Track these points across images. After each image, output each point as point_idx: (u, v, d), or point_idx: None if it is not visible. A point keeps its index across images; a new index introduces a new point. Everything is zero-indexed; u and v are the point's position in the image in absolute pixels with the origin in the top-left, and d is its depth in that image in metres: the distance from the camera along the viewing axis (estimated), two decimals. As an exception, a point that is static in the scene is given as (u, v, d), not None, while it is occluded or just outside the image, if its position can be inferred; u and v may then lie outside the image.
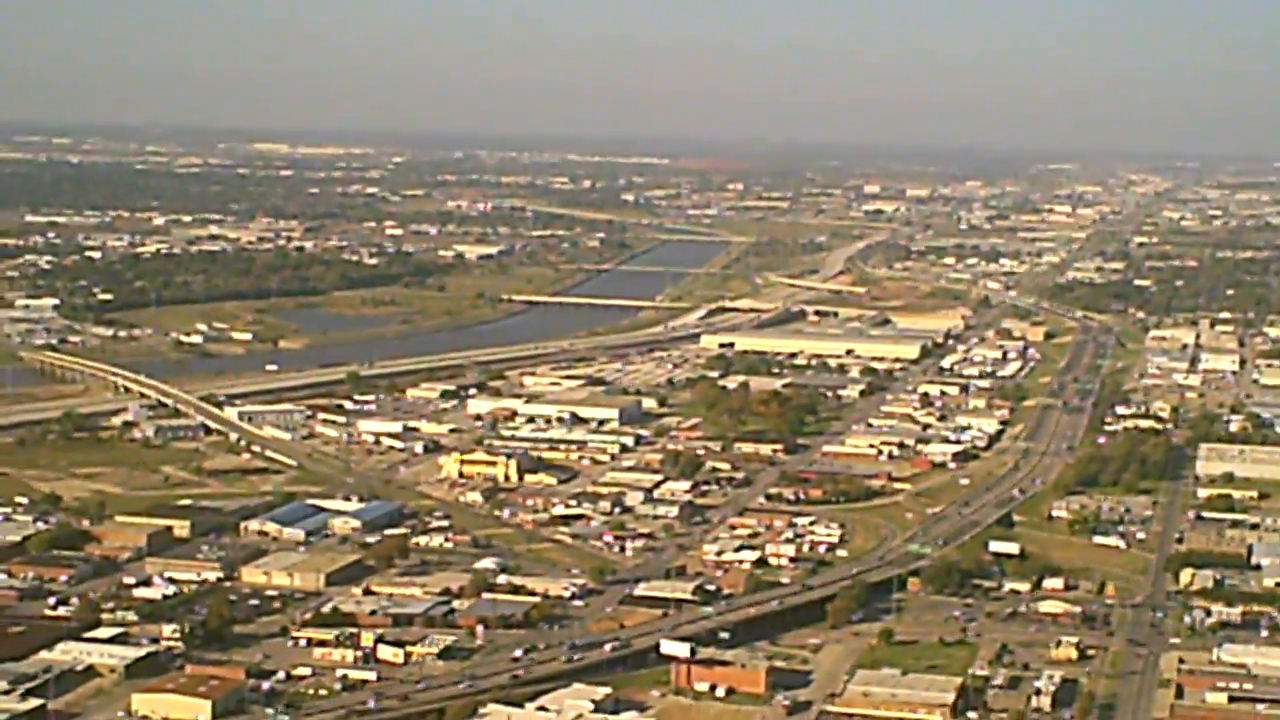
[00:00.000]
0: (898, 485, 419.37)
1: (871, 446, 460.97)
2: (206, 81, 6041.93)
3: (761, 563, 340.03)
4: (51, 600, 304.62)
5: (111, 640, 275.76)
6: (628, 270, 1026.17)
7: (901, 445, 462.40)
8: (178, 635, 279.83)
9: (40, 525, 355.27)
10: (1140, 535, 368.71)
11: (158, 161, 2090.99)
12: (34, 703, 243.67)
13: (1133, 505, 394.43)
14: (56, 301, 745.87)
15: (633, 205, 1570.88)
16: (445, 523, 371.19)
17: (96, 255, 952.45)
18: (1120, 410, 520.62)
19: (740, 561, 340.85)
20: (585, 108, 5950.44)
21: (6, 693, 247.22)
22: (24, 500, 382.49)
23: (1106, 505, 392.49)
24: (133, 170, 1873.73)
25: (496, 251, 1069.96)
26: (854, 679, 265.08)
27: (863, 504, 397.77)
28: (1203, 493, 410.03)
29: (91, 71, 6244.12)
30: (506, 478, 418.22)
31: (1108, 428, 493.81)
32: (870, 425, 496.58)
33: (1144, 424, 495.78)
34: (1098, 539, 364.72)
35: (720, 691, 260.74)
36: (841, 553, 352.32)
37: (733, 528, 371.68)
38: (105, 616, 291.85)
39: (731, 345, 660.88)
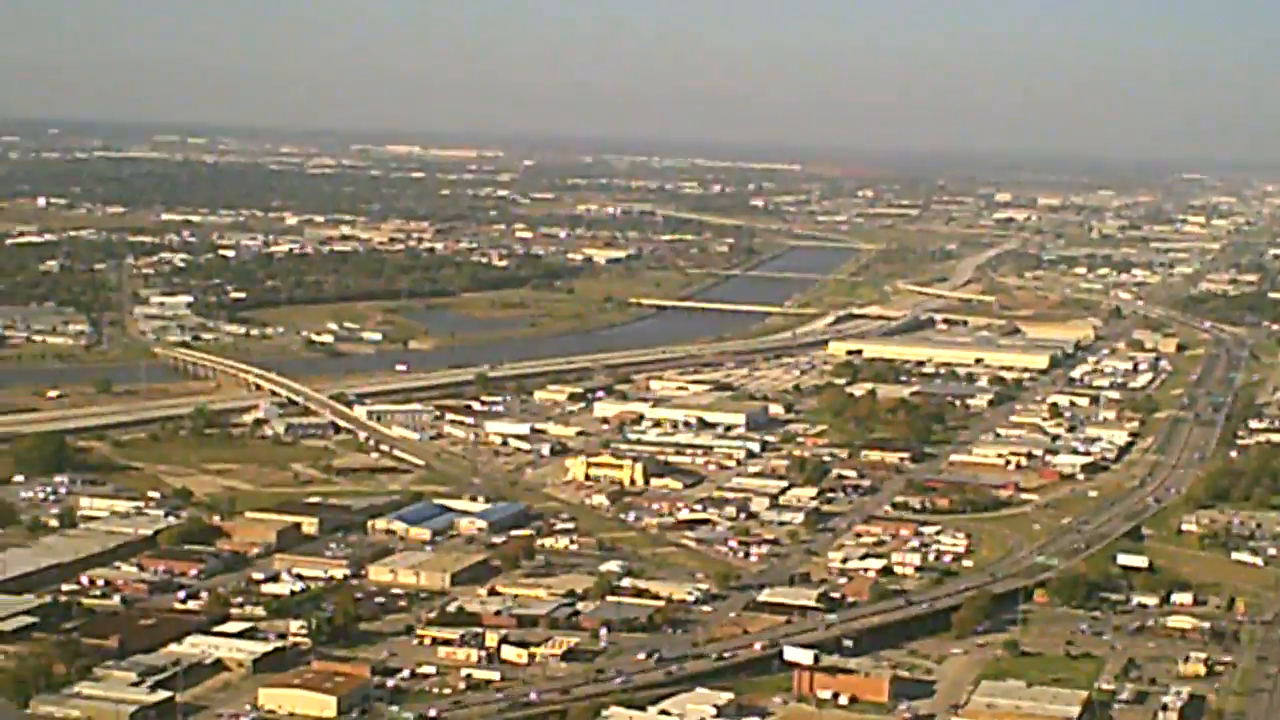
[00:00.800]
0: (1025, 496, 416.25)
1: (999, 456, 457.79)
2: (341, 84, 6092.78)
3: (887, 571, 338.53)
4: (181, 594, 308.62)
5: (240, 635, 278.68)
6: (756, 276, 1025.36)
7: (1030, 456, 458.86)
8: (305, 631, 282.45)
9: (171, 520, 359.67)
10: (1271, 551, 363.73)
11: (291, 162, 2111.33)
12: (163, 695, 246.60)
13: (1264, 521, 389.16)
14: (191, 299, 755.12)
15: (762, 211, 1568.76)
16: (570, 525, 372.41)
17: (230, 254, 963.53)
18: (1253, 424, 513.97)
19: (865, 569, 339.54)
20: (716, 113, 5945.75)
21: (136, 684, 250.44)
22: (156, 495, 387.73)
23: (1238, 520, 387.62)
24: (267, 171, 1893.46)
25: (625, 255, 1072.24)
26: (978, 690, 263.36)
27: (990, 514, 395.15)
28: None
29: (229, 73, 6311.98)
30: (632, 481, 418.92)
31: (1240, 442, 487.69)
32: (998, 435, 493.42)
33: (1277, 438, 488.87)
34: (1233, 555, 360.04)
35: (843, 700, 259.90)
36: (967, 563, 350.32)
37: (858, 535, 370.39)
38: (234, 611, 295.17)
39: (859, 352, 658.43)
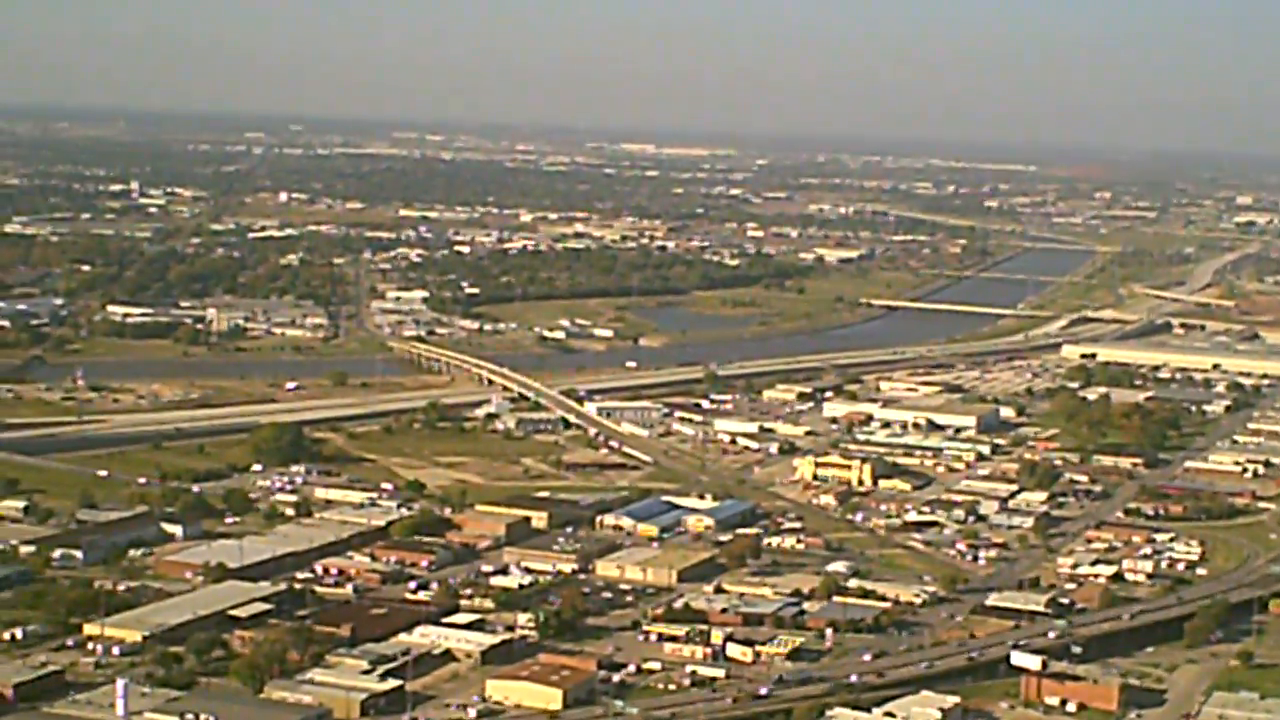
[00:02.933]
0: (1263, 504, 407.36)
1: (1236, 464, 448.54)
2: (578, 82, 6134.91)
3: (1118, 578, 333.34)
4: (412, 584, 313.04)
5: (469, 626, 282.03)
6: (989, 277, 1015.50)
7: (1268, 464, 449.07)
8: (532, 624, 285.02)
9: (404, 511, 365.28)
10: None
11: (526, 160, 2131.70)
12: (392, 683, 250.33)
13: None
14: (426, 294, 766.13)
15: (996, 212, 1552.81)
16: (798, 524, 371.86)
17: (465, 250, 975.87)
18: None
19: (1096, 575, 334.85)
20: (951, 113, 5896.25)
21: (367, 672, 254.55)
22: (389, 486, 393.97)
23: None
24: (503, 168, 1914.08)
25: (857, 255, 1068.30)
26: (1210, 701, 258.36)
27: (1225, 522, 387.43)
28: None
29: (469, 71, 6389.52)
30: (860, 482, 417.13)
31: None
32: (1235, 442, 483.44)
33: None
34: None
35: (1071, 707, 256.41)
36: (1201, 571, 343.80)
37: (1089, 541, 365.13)
38: (463, 603, 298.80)
39: (1093, 356, 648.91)
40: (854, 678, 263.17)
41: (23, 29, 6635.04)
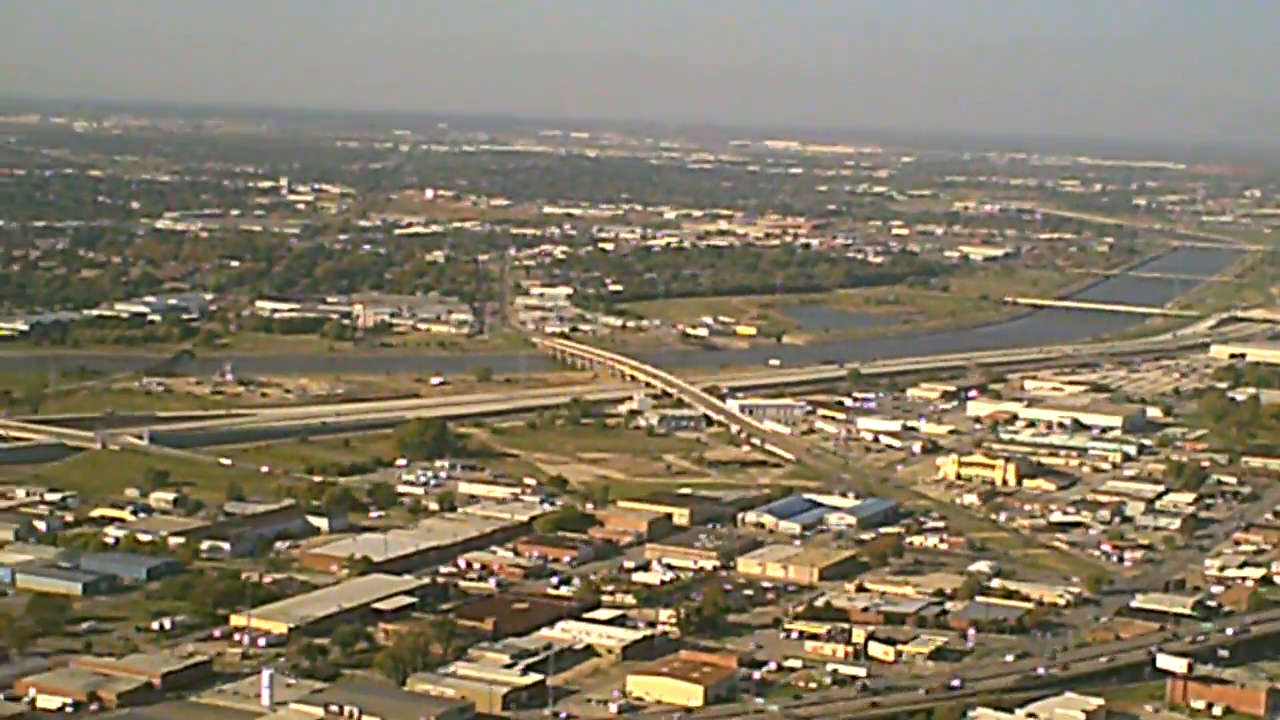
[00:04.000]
0: None
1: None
2: (722, 78, 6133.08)
3: (1266, 581, 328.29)
4: (554, 580, 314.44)
5: (610, 622, 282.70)
6: (1137, 276, 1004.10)
7: None
8: (673, 620, 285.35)
9: (547, 507, 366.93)
10: None
11: (671, 157, 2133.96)
12: (534, 678, 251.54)
13: None
14: (570, 291, 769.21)
15: (1144, 210, 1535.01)
16: (940, 524, 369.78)
17: (609, 247, 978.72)
18: None
19: (1244, 578, 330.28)
20: (1098, 110, 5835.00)
21: (509, 666, 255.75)
22: (532, 482, 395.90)
23: None
24: (647, 165, 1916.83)
25: (1002, 254, 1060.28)
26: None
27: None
28: None
29: (611, 69, 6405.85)
30: (1004, 481, 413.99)
31: None
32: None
33: None
34: None
35: (1217, 710, 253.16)
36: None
37: (1237, 543, 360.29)
38: (605, 598, 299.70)
39: (1243, 356, 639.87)
40: (1041, 670, 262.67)
41: (175, 28, 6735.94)
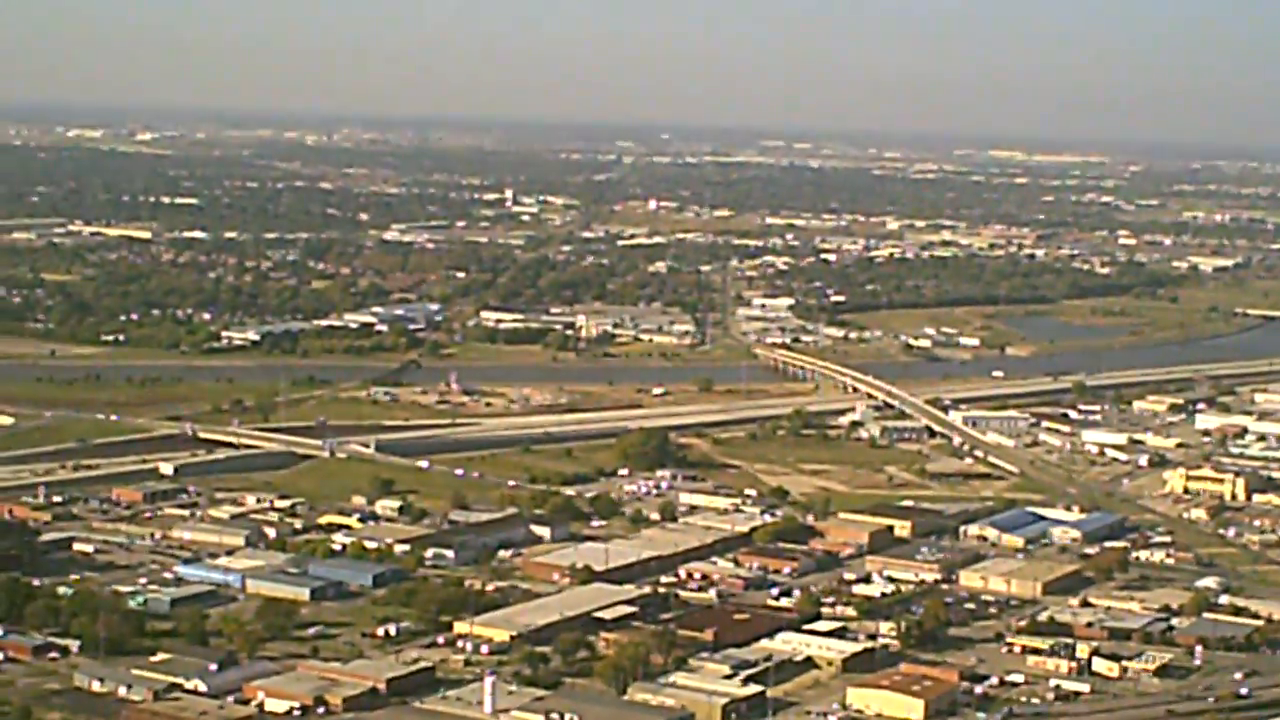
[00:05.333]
0: None
1: None
2: (945, 89, 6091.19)
3: None
4: (774, 591, 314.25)
5: (830, 634, 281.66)
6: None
7: None
8: (894, 633, 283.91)
9: (767, 518, 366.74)
10: None
11: (894, 167, 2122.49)
12: (754, 689, 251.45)
13: None
14: (792, 301, 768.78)
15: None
16: (1167, 539, 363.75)
17: (831, 258, 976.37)
18: None
19: None
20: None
21: (729, 677, 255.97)
22: (753, 493, 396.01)
23: None
24: (870, 175, 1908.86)
25: (1233, 264, 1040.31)
26: None
27: None
28: None
29: (832, 79, 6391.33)
30: (1233, 496, 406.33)
31: None
32: None
33: None
34: None
35: None
36: None
37: None
38: (825, 610, 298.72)
39: None
40: None
41: (404, 43, 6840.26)
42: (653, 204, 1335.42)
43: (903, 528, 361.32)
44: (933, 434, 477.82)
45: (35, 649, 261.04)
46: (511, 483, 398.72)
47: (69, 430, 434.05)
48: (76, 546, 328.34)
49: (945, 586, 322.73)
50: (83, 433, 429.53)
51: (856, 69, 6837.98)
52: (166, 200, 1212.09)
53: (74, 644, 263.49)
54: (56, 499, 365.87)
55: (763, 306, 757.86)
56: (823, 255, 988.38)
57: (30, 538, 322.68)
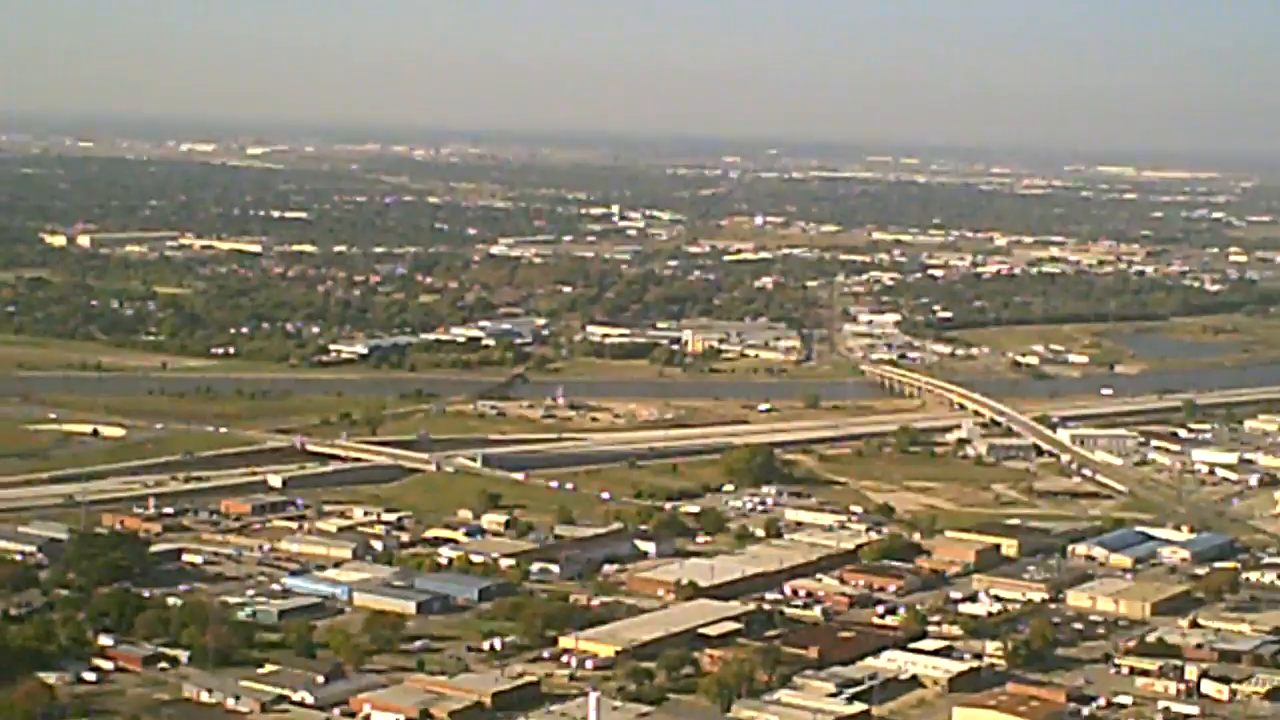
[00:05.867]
0: None
1: None
2: (1054, 104, 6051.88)
3: None
4: (880, 609, 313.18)
5: (936, 653, 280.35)
6: None
7: None
8: (1001, 653, 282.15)
9: (873, 535, 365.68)
10: None
11: (1001, 183, 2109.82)
12: (859, 707, 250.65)
13: None
14: (898, 317, 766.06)
15: None
16: (1278, 559, 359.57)
17: (938, 274, 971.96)
18: None
19: None
20: None
21: (834, 695, 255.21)
22: (858, 510, 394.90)
23: None
24: (977, 191, 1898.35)
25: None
26: None
27: None
28: None
29: (940, 94, 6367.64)
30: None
31: None
32: None
33: None
34: None
35: None
36: None
37: None
38: (931, 629, 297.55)
39: None
40: None
41: (514, 57, 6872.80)
42: (759, 219, 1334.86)
43: (1009, 546, 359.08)
44: (1040, 452, 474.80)
45: (145, 659, 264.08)
46: (612, 497, 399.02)
47: (179, 442, 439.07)
48: (186, 558, 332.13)
49: (1052, 606, 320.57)
50: (192, 445, 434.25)
51: (964, 84, 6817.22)
52: (276, 214, 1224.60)
53: (183, 654, 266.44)
54: (167, 510, 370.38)
55: (869, 322, 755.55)
56: (930, 271, 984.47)
57: (141, 549, 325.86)
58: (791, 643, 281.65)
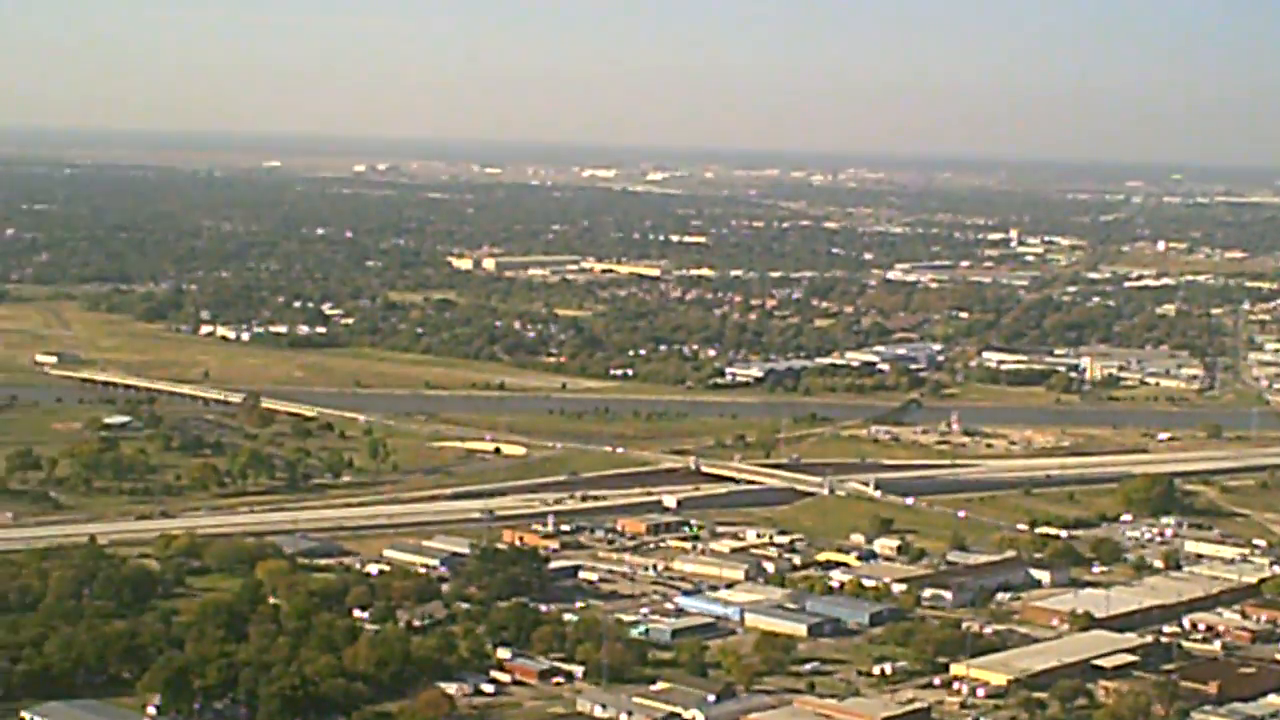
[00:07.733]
0: None
1: None
2: None
3: None
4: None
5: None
6: None
7: None
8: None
9: (1277, 570, 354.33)
10: None
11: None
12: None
13: None
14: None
15: None
16: None
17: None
18: None
19: None
20: None
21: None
22: (1261, 543, 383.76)
23: None
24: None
25: None
26: None
27: None
28: None
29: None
30: None
31: None
32: None
33: None
34: None
35: None
36: None
37: None
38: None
39: None
40: None
41: (908, 83, 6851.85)
42: (1161, 244, 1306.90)
43: None
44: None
45: (541, 673, 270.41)
46: (1006, 525, 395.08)
47: (577, 461, 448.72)
48: (582, 575, 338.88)
49: None
50: (590, 465, 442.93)
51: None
52: (675, 238, 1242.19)
53: (578, 669, 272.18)
54: (564, 528, 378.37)
55: (1276, 352, 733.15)
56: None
57: (539, 565, 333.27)
58: (1190, 677, 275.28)
